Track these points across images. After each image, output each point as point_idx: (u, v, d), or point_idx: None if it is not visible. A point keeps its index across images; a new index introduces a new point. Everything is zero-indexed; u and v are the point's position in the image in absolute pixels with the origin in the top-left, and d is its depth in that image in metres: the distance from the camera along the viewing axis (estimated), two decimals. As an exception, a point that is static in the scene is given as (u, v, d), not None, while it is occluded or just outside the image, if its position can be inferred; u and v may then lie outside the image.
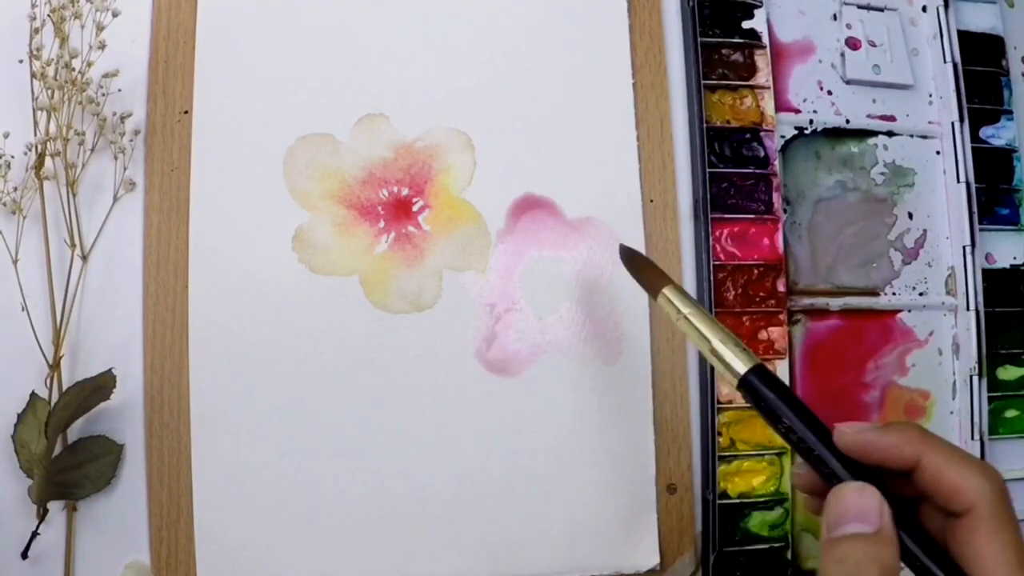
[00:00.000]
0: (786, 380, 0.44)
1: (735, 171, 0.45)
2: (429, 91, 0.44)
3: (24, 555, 0.38)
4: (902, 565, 0.25)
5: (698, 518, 0.43)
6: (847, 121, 0.48)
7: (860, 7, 0.49)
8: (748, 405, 0.43)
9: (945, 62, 0.48)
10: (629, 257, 0.40)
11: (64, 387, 0.39)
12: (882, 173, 0.48)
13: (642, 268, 0.38)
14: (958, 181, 0.47)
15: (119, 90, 0.42)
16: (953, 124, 0.48)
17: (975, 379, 0.46)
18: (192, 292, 0.41)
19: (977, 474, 0.25)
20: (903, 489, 0.26)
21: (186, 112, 0.42)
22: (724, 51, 0.46)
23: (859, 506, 0.25)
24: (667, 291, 0.33)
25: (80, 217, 0.41)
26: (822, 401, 0.45)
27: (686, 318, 0.32)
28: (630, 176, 0.45)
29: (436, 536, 0.41)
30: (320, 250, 0.42)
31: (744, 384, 0.29)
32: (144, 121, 0.42)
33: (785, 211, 0.46)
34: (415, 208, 0.43)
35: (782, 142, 0.46)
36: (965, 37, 0.49)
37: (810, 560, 0.45)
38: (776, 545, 0.43)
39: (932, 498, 0.26)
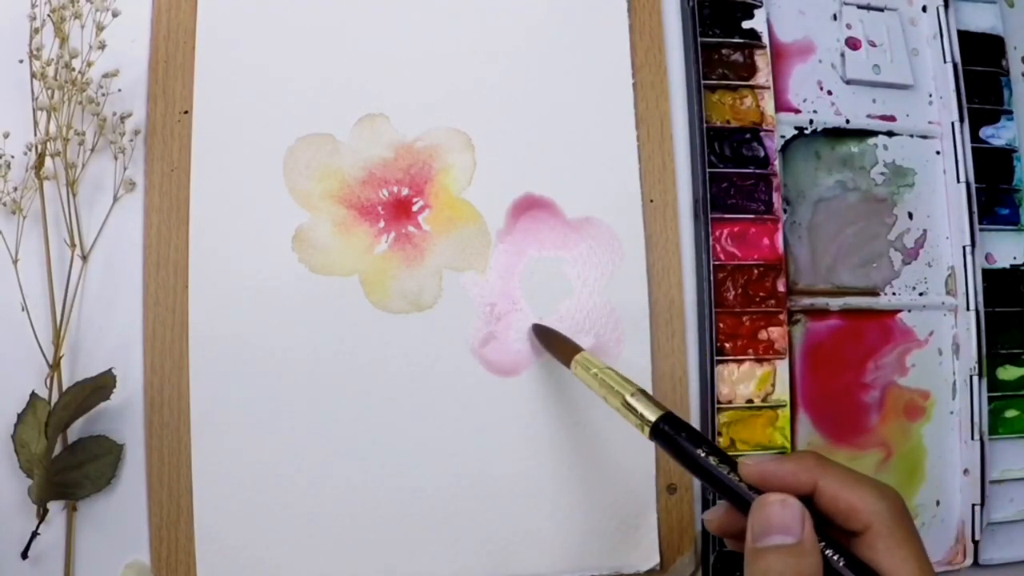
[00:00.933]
0: (786, 380, 0.44)
1: (735, 171, 0.45)
2: (429, 91, 0.44)
3: (24, 555, 0.38)
4: None
5: (698, 518, 0.43)
6: (847, 121, 0.48)
7: (860, 7, 0.49)
8: (748, 405, 0.43)
9: (945, 62, 0.48)
10: (541, 333, 0.42)
11: (64, 387, 0.39)
12: (882, 173, 0.48)
13: (554, 341, 0.41)
14: (958, 181, 0.47)
15: (119, 90, 0.42)
16: (953, 124, 0.48)
17: (975, 379, 0.46)
18: (192, 292, 0.41)
19: (871, 493, 0.26)
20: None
21: (186, 112, 0.42)
22: (724, 51, 0.46)
23: (781, 517, 0.26)
24: (578, 357, 0.37)
25: (80, 217, 0.41)
26: (822, 401, 0.45)
27: (601, 376, 0.35)
28: (630, 176, 0.45)
29: (436, 536, 0.41)
30: (320, 250, 0.42)
31: (655, 430, 0.31)
32: (144, 121, 0.42)
33: (785, 211, 0.46)
34: (415, 208, 0.43)
35: (782, 142, 0.46)
36: (965, 37, 0.49)
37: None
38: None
39: (832, 519, 0.27)
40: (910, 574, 0.25)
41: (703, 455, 0.29)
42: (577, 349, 0.38)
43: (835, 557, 0.25)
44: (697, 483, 0.44)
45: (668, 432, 0.30)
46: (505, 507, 0.42)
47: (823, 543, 0.26)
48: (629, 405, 0.32)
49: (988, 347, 0.46)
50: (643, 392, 0.33)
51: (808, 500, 0.27)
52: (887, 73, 0.48)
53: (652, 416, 0.31)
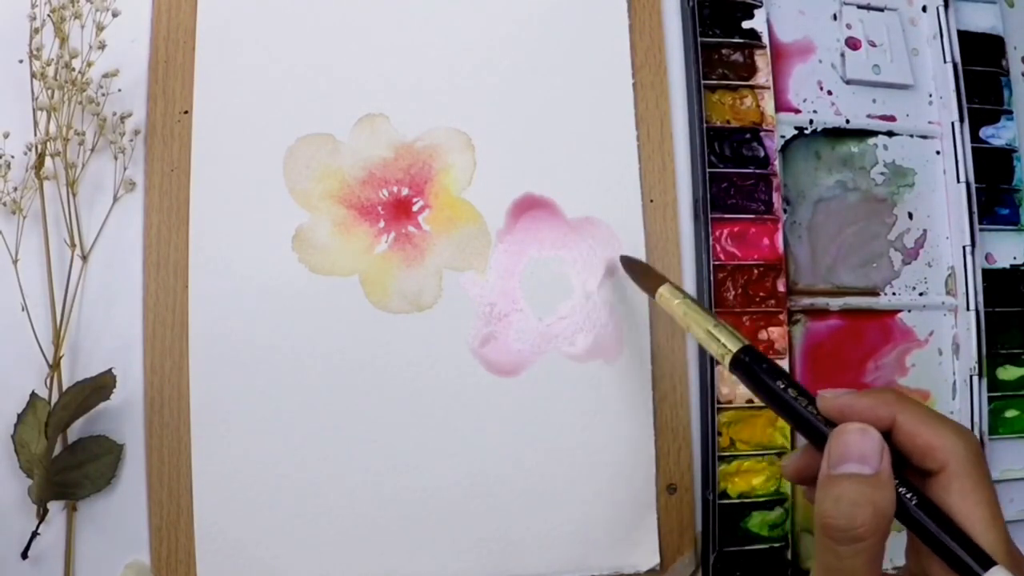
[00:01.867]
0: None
1: (735, 171, 0.45)
2: (429, 91, 0.44)
3: (24, 555, 0.38)
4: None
5: (698, 518, 0.43)
6: (847, 121, 0.48)
7: (860, 7, 0.49)
8: (748, 405, 0.43)
9: (945, 62, 0.48)
10: (629, 264, 0.42)
11: (64, 387, 0.39)
12: (882, 173, 0.48)
13: (641, 272, 0.41)
14: (958, 181, 0.47)
15: (119, 90, 0.42)
16: (953, 124, 0.48)
17: (975, 379, 0.46)
18: (192, 292, 0.41)
19: (951, 433, 0.26)
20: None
21: (186, 112, 0.42)
22: (724, 51, 0.46)
23: (860, 447, 0.25)
24: (664, 288, 0.37)
25: (80, 217, 0.41)
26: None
27: (685, 307, 0.35)
28: (630, 176, 0.45)
29: (436, 536, 0.41)
30: (320, 250, 0.42)
31: (736, 361, 0.31)
32: (144, 121, 0.42)
33: (785, 211, 0.46)
34: (415, 208, 0.43)
35: (782, 142, 0.46)
36: (965, 37, 0.49)
37: (810, 560, 0.45)
38: (776, 545, 0.43)
39: (908, 457, 0.26)
40: (981, 519, 0.24)
41: (782, 387, 0.29)
42: (663, 279, 0.38)
43: (908, 495, 0.25)
44: (697, 483, 0.44)
45: (748, 363, 0.30)
46: (505, 507, 0.42)
47: (896, 480, 0.25)
48: (712, 335, 0.32)
49: (988, 347, 0.46)
50: (725, 325, 0.33)
51: (886, 436, 0.26)
52: (887, 73, 0.48)
53: (733, 347, 0.31)
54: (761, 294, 0.44)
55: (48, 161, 0.40)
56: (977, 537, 0.24)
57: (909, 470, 0.26)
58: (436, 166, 0.44)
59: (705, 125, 0.45)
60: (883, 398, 0.27)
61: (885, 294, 0.47)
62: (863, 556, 0.24)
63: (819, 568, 0.25)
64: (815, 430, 0.28)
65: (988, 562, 0.24)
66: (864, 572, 0.24)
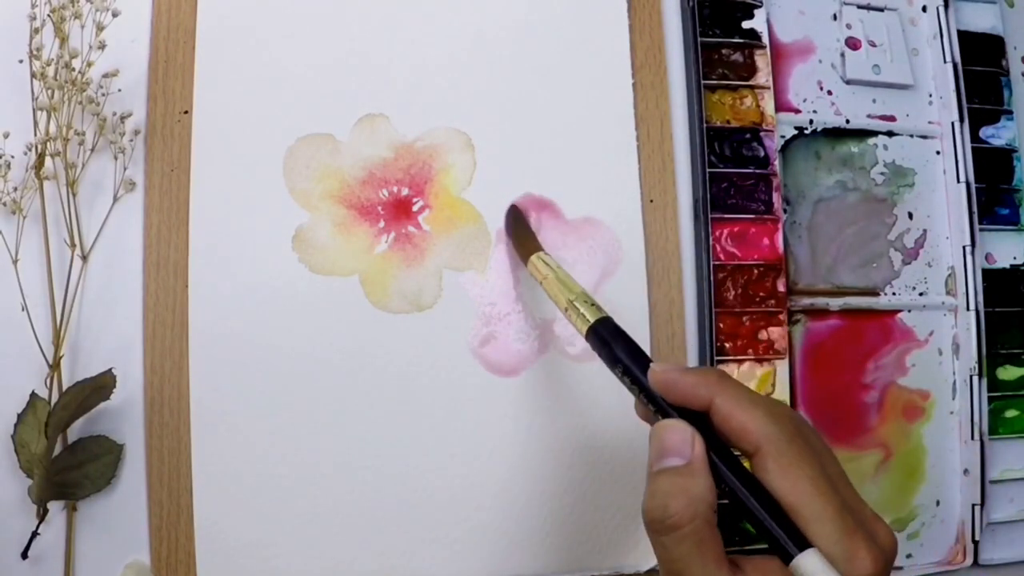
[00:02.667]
0: (786, 380, 0.44)
1: (735, 171, 0.45)
2: (429, 91, 0.44)
3: (24, 555, 0.38)
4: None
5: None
6: (847, 121, 0.48)
7: (860, 7, 0.49)
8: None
9: (945, 62, 0.48)
10: (515, 220, 0.42)
11: (64, 387, 0.39)
12: (882, 173, 0.48)
13: (521, 235, 0.41)
14: (958, 181, 0.47)
15: (119, 90, 0.42)
16: (953, 124, 0.48)
17: (975, 379, 0.46)
18: (192, 292, 0.41)
19: (762, 415, 0.26)
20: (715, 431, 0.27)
21: (186, 112, 0.42)
22: (724, 51, 0.46)
23: (673, 440, 0.26)
24: (535, 257, 0.38)
25: (80, 217, 0.41)
26: (822, 401, 0.45)
27: (549, 279, 0.36)
28: (630, 176, 0.45)
29: (436, 536, 0.41)
30: (320, 250, 0.42)
31: (591, 332, 0.32)
32: (144, 121, 0.42)
33: (785, 211, 0.46)
34: (415, 208, 0.43)
35: (782, 142, 0.46)
36: (965, 37, 0.49)
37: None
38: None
39: (727, 439, 0.27)
40: (804, 492, 0.24)
41: (619, 373, 0.30)
42: (537, 248, 0.38)
43: (731, 477, 0.26)
44: (697, 483, 0.44)
45: (601, 334, 0.31)
46: (505, 507, 0.42)
47: (725, 464, 0.26)
48: (573, 306, 0.33)
49: (988, 347, 0.46)
50: (588, 297, 0.33)
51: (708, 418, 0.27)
52: (887, 73, 0.48)
53: (591, 319, 0.32)
54: (761, 294, 0.44)
55: (48, 161, 0.40)
56: (801, 510, 0.24)
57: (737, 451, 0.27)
58: (436, 166, 0.44)
59: (705, 125, 0.45)
60: (705, 378, 0.27)
61: (885, 294, 0.47)
62: (687, 543, 0.25)
63: (658, 564, 0.26)
64: (658, 407, 0.28)
65: (804, 544, 0.24)
66: (694, 558, 0.25)
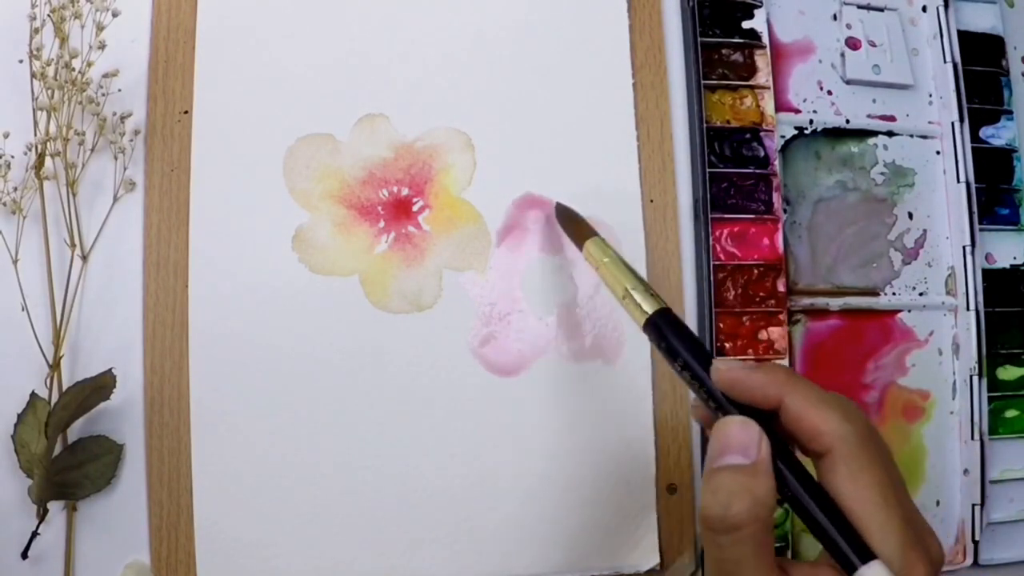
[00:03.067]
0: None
1: (735, 171, 0.45)
2: (429, 91, 0.44)
3: (24, 555, 0.38)
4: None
5: (698, 518, 0.43)
6: (847, 121, 0.48)
7: (860, 7, 0.49)
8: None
9: (945, 62, 0.48)
10: (562, 213, 0.42)
11: (64, 387, 0.39)
12: (882, 173, 0.48)
13: (573, 224, 0.40)
14: (958, 181, 0.47)
15: (119, 90, 0.42)
16: (953, 124, 0.48)
17: (975, 379, 0.46)
18: (192, 292, 0.41)
19: (836, 415, 0.25)
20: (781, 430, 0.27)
21: (186, 112, 0.42)
22: (724, 51, 0.46)
23: (739, 439, 0.26)
24: (590, 242, 0.36)
25: (80, 217, 0.41)
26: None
27: (606, 264, 0.35)
28: (630, 176, 0.45)
29: (436, 536, 0.41)
30: (320, 250, 0.42)
31: (649, 324, 0.31)
32: (144, 121, 0.42)
33: (785, 211, 0.46)
34: (415, 208, 0.43)
35: (782, 142, 0.46)
36: (965, 37, 0.49)
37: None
38: (776, 545, 0.43)
39: (796, 440, 0.26)
40: (871, 500, 0.24)
41: (678, 368, 0.29)
42: (592, 234, 0.37)
43: (793, 481, 0.25)
44: (698, 483, 0.44)
45: (660, 327, 0.30)
46: (505, 507, 0.42)
47: (785, 466, 0.25)
48: (630, 295, 0.32)
49: (988, 347, 0.46)
50: (646, 285, 0.32)
51: (775, 417, 0.26)
52: (887, 73, 0.48)
53: (649, 309, 0.31)
54: (761, 294, 0.44)
55: (48, 161, 0.40)
56: (866, 520, 0.24)
57: (804, 452, 0.26)
58: (436, 166, 0.44)
59: (705, 125, 0.45)
60: (773, 376, 0.27)
61: (885, 294, 0.47)
62: (745, 545, 0.24)
63: (707, 561, 0.25)
64: (719, 405, 0.28)
65: (868, 555, 0.23)
66: (749, 561, 0.24)
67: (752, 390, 0.27)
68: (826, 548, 0.24)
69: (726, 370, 0.28)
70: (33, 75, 0.39)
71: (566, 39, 0.46)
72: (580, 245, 0.37)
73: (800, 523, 0.44)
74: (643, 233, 0.45)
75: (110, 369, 0.39)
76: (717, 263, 0.44)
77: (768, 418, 0.26)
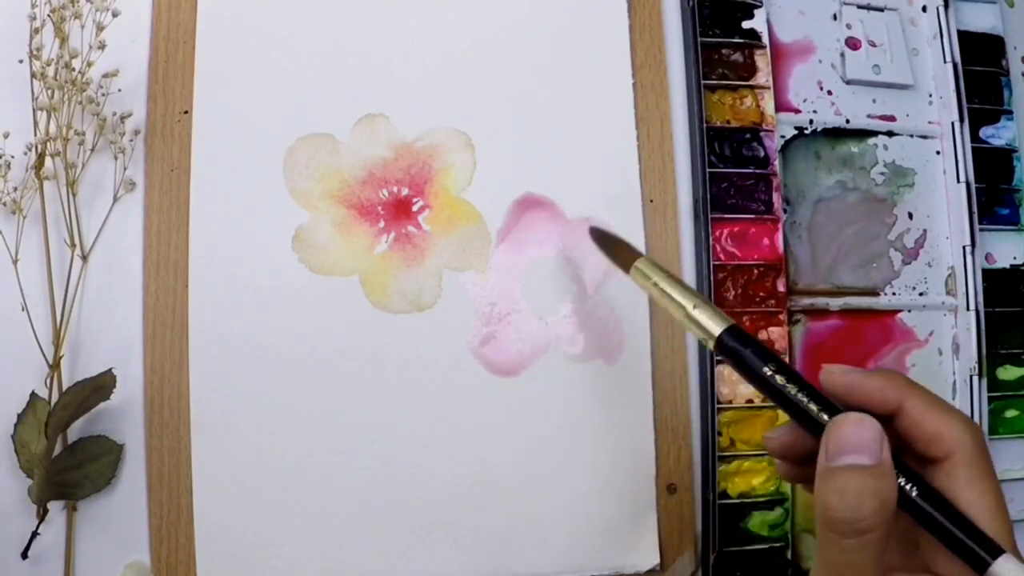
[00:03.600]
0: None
1: (735, 171, 0.45)
2: (429, 91, 0.44)
3: (24, 555, 0.38)
4: None
5: (698, 518, 0.43)
6: (847, 121, 0.48)
7: (860, 7, 0.49)
8: (748, 405, 0.43)
9: (945, 62, 0.48)
10: (600, 237, 0.40)
11: (64, 387, 0.39)
12: (882, 173, 0.48)
13: (614, 246, 0.38)
14: (958, 181, 0.47)
15: (119, 90, 0.42)
16: (953, 124, 0.48)
17: (975, 379, 0.46)
18: (192, 292, 0.41)
19: (958, 422, 0.26)
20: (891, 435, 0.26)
21: (186, 112, 0.42)
22: (724, 51, 0.46)
23: (859, 437, 0.25)
24: (640, 264, 0.34)
25: (80, 217, 0.41)
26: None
27: (659, 286, 0.32)
28: (630, 176, 0.45)
29: (436, 536, 0.41)
30: (320, 250, 0.42)
31: (720, 344, 0.29)
32: (144, 121, 0.42)
33: (785, 211, 0.46)
34: (415, 208, 0.43)
35: (782, 142, 0.46)
36: (965, 37, 0.49)
37: (810, 560, 0.45)
38: (776, 545, 0.43)
39: (912, 444, 0.26)
40: (987, 507, 0.24)
41: (769, 373, 0.27)
42: (637, 255, 0.35)
43: (908, 485, 0.25)
44: (697, 483, 0.44)
45: (733, 346, 0.28)
46: (505, 507, 0.42)
47: (897, 469, 0.25)
48: (691, 318, 0.30)
49: (988, 347, 0.46)
50: (706, 302, 0.30)
51: (887, 421, 0.26)
52: (887, 73, 0.48)
53: (716, 330, 0.29)
54: (761, 294, 0.44)
55: (48, 161, 0.40)
56: (983, 526, 0.24)
57: (909, 456, 0.26)
58: (436, 166, 0.44)
59: (705, 125, 0.45)
60: (892, 381, 0.27)
61: (885, 294, 0.47)
62: (869, 549, 0.24)
63: (823, 564, 0.25)
64: (807, 416, 0.27)
65: (996, 551, 0.23)
66: (871, 565, 0.24)
67: (870, 393, 0.26)
68: (949, 547, 0.24)
69: (840, 373, 0.27)
70: (33, 75, 0.39)
71: (566, 39, 0.46)
72: (627, 268, 0.35)
73: (800, 523, 0.44)
74: (643, 233, 0.45)
75: (110, 369, 0.39)
76: (717, 263, 0.44)
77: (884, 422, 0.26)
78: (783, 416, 0.44)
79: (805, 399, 0.27)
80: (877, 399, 0.26)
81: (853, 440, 0.25)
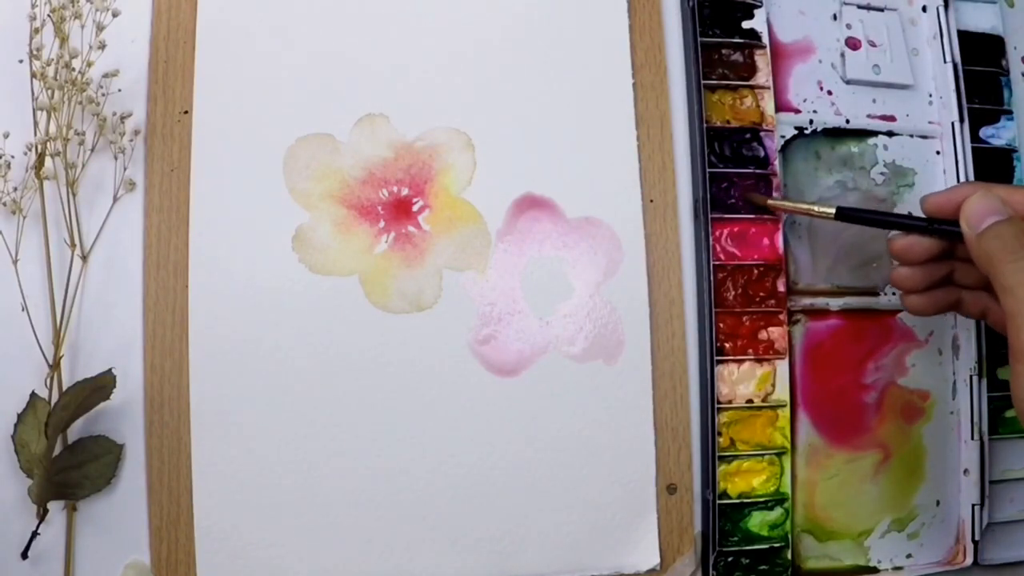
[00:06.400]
0: (786, 380, 0.44)
1: (735, 171, 0.45)
2: (429, 91, 0.44)
3: (24, 555, 0.38)
4: None
5: (698, 518, 0.43)
6: (847, 121, 0.48)
7: (860, 7, 0.49)
8: (748, 405, 0.43)
9: (945, 62, 0.48)
10: (747, 199, 0.46)
11: (64, 387, 0.39)
12: (882, 173, 0.48)
13: (753, 201, 0.45)
14: (958, 181, 0.47)
15: (119, 90, 0.42)
16: (953, 124, 0.48)
17: (975, 379, 0.46)
18: (192, 292, 0.41)
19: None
20: None
21: (186, 112, 0.42)
22: (724, 51, 0.46)
23: (989, 205, 0.35)
24: (769, 203, 0.44)
25: (80, 217, 0.41)
26: (822, 401, 0.45)
27: (785, 207, 0.44)
28: (630, 176, 0.45)
29: (436, 536, 0.41)
30: (320, 250, 0.42)
31: (839, 214, 0.40)
32: (144, 121, 0.42)
33: (785, 211, 0.46)
34: (415, 208, 0.43)
35: (782, 142, 0.46)
36: (965, 37, 0.49)
37: (810, 560, 0.45)
38: (776, 545, 0.43)
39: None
40: None
41: (885, 216, 0.41)
42: (766, 199, 0.44)
43: None
44: (697, 483, 0.44)
45: (849, 213, 0.40)
46: (505, 507, 0.42)
47: None
48: (813, 211, 0.41)
49: (988, 347, 0.46)
50: (815, 202, 0.44)
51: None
52: (887, 73, 0.48)
53: (832, 210, 0.40)
54: (761, 294, 0.44)
55: (48, 161, 0.40)
56: None
57: None
58: (436, 166, 0.44)
59: (705, 125, 0.45)
60: (963, 189, 0.37)
61: (885, 294, 0.47)
62: None
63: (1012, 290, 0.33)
64: (923, 226, 0.38)
65: None
66: None
67: (953, 203, 0.37)
68: None
69: (933, 196, 0.38)
70: (33, 75, 0.39)
71: (566, 39, 0.46)
72: (764, 204, 0.44)
73: (800, 523, 0.44)
74: (643, 233, 0.45)
75: (110, 369, 0.39)
76: (717, 263, 0.44)
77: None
78: (782, 418, 0.44)
79: (914, 217, 0.39)
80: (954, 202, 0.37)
81: (985, 207, 0.35)
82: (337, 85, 0.44)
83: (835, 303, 0.46)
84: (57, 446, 0.39)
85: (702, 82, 0.45)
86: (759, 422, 0.44)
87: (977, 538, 0.45)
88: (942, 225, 0.37)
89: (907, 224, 0.39)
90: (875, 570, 0.45)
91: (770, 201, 0.44)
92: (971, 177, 0.47)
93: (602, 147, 0.45)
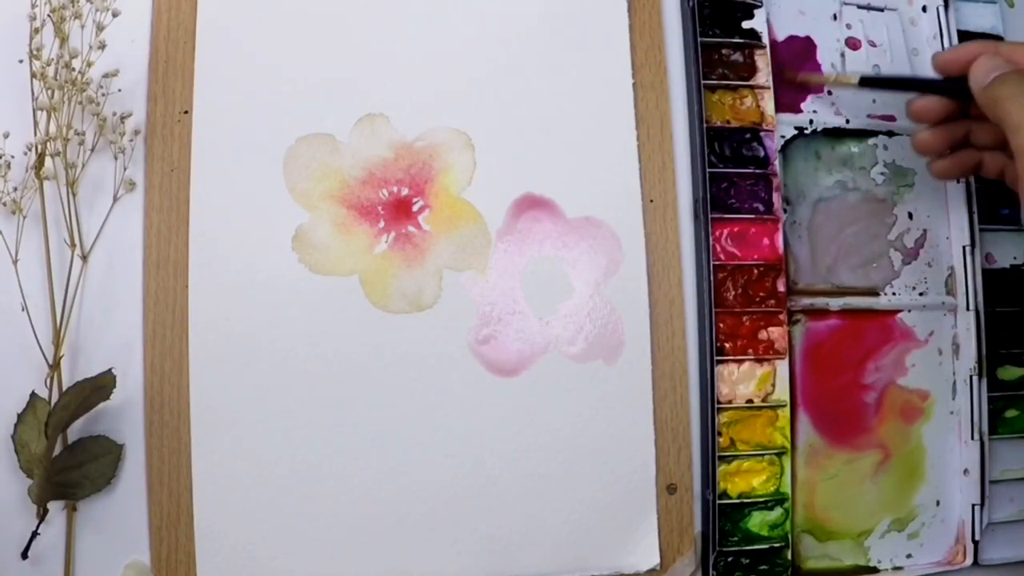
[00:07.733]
0: (786, 380, 0.44)
1: (735, 171, 0.45)
2: (429, 91, 0.44)
3: (24, 555, 0.38)
4: None
5: (698, 518, 0.43)
6: (847, 121, 0.48)
7: (860, 7, 0.49)
8: (748, 405, 0.43)
9: (945, 62, 0.48)
10: (781, 77, 0.47)
11: (64, 387, 0.39)
12: (882, 173, 0.48)
13: (786, 77, 0.47)
14: (958, 181, 0.47)
15: (119, 90, 0.42)
16: (953, 124, 0.48)
17: (975, 379, 0.46)
18: (192, 292, 0.41)
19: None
20: None
21: (186, 112, 0.42)
22: (724, 51, 0.46)
23: (994, 63, 0.38)
24: (799, 78, 0.47)
25: (80, 217, 0.41)
26: (822, 401, 0.45)
27: (812, 81, 0.47)
28: (630, 176, 0.45)
29: (436, 536, 0.41)
30: (320, 250, 0.42)
31: (862, 81, 0.44)
32: (144, 121, 0.42)
33: (785, 211, 0.46)
34: (415, 208, 0.43)
35: (782, 142, 0.46)
36: (965, 37, 0.49)
37: (810, 560, 0.45)
38: (776, 545, 0.43)
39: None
40: None
41: (897, 78, 0.47)
42: (795, 75, 0.47)
43: None
44: (697, 483, 0.44)
45: (870, 80, 0.45)
46: (505, 507, 0.42)
47: None
48: (839, 82, 0.46)
49: (988, 347, 0.46)
50: (840, 74, 0.47)
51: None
52: (887, 73, 0.48)
53: (855, 80, 0.44)
54: (761, 294, 0.44)
55: (48, 161, 0.40)
56: None
57: None
58: (436, 166, 0.44)
59: (705, 125, 0.45)
60: (971, 47, 0.40)
61: (885, 294, 0.47)
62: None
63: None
64: (937, 84, 0.42)
65: None
66: None
67: (960, 61, 0.40)
68: None
69: (942, 53, 0.42)
70: (33, 75, 0.39)
71: (566, 39, 0.46)
72: (794, 80, 0.47)
73: (800, 523, 0.44)
74: (643, 233, 0.45)
75: (110, 369, 0.39)
76: (717, 263, 0.44)
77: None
78: (782, 418, 0.44)
79: (938, 85, 0.42)
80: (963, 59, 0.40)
81: (991, 64, 0.38)
82: (337, 85, 0.44)
83: (835, 303, 0.46)
84: (57, 446, 0.39)
85: (702, 82, 0.45)
86: (759, 422, 0.44)
87: (977, 538, 0.45)
88: (955, 83, 0.40)
89: (923, 84, 0.44)
90: (875, 570, 0.45)
91: (800, 76, 0.46)
92: (971, 182, 0.47)
93: (602, 147, 0.45)
